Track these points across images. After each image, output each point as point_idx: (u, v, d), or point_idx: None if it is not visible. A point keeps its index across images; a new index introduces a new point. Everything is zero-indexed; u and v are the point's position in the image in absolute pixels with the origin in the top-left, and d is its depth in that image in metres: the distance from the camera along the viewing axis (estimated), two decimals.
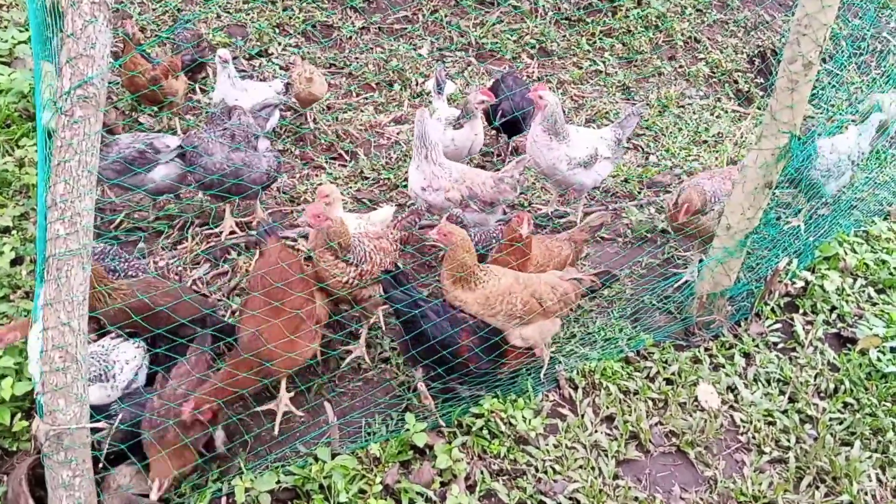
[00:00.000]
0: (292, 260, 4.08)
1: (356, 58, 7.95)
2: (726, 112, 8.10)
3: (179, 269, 5.07)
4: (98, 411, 3.66)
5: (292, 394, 4.27)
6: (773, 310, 5.23)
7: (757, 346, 5.00)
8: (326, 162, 6.43)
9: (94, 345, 3.95)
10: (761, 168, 4.44)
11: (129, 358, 3.98)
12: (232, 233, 5.41)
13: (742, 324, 5.14)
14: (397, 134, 6.88)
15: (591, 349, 4.73)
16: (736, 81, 8.68)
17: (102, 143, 4.99)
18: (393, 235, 4.52)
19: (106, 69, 3.07)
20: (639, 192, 6.52)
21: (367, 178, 6.28)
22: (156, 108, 6.34)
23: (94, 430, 3.50)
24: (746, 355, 4.95)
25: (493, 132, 6.72)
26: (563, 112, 5.97)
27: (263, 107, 5.73)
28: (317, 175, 6.27)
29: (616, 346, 4.76)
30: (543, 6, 9.02)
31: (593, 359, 4.64)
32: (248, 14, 8.17)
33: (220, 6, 8.13)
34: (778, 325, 5.17)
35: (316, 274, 4.17)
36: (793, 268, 5.39)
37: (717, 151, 7.19)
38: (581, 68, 8.39)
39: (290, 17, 8.22)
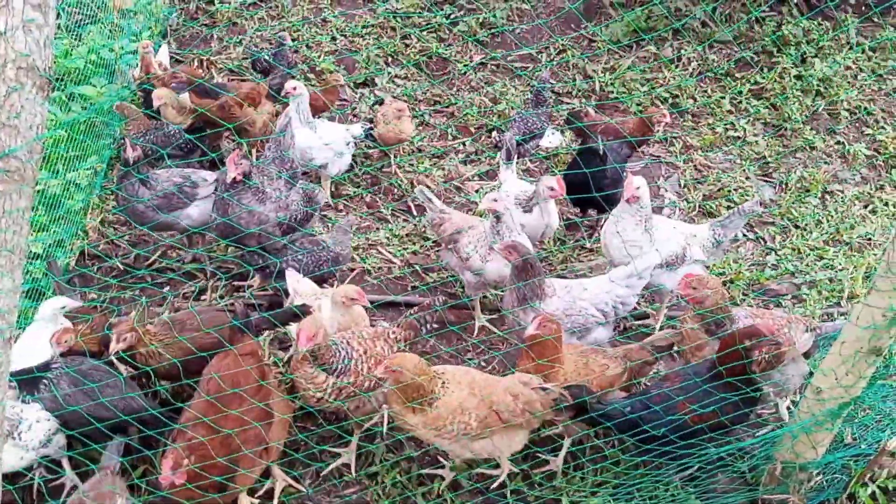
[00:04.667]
0: (256, 364, 3.58)
1: (463, 96, 7.39)
2: (886, 206, 6.72)
3: None
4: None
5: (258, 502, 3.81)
6: (873, 496, 4.08)
7: None
8: (391, 214, 5.93)
9: None
10: (866, 330, 3.40)
11: (39, 417, 3.62)
12: (262, 289, 5.04)
13: None
14: (475, 191, 6.22)
15: None
16: None
17: (142, 181, 4.86)
18: (394, 336, 3.87)
19: (33, 140, 2.70)
20: (742, 299, 5.45)
21: (427, 240, 5.69)
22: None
23: None
24: None
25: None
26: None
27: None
28: (377, 228, 5.77)
29: None
30: (688, 56, 8.00)
31: None
32: (365, 39, 7.84)
33: (336, 28, 7.86)
34: None
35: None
36: None
37: (859, 259, 5.90)
38: (716, 132, 7.30)
39: (407, 47, 7.80)
